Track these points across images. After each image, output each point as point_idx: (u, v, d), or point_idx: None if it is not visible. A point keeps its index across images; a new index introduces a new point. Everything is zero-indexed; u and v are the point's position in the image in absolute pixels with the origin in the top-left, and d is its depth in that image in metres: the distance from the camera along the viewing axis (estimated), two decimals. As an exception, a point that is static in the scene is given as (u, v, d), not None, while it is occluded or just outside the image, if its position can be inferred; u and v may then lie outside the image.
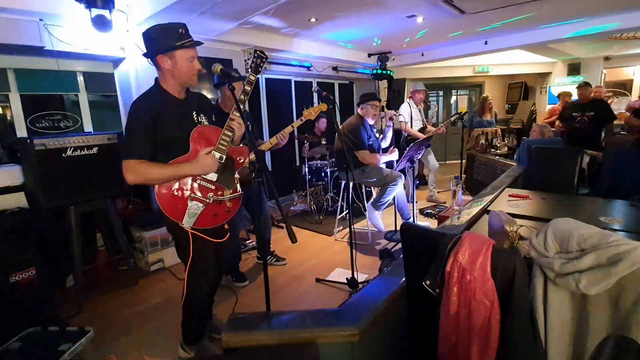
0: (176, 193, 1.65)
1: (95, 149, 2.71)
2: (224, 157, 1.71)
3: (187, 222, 1.65)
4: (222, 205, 1.75)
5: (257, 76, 1.79)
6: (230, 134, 1.71)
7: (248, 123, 1.91)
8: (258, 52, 1.80)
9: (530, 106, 7.15)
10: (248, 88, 1.75)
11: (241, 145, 1.89)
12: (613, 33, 4.83)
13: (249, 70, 1.80)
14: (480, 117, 5.50)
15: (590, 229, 1.03)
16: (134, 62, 3.31)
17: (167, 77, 1.67)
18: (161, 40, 1.59)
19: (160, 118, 1.62)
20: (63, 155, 2.56)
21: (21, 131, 3.20)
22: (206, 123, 1.78)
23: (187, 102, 1.76)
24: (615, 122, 5.15)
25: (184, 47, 1.61)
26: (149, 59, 1.67)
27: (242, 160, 1.84)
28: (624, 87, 7.32)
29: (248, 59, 1.85)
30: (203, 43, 1.70)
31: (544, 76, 7.45)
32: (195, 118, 1.75)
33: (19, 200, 2.62)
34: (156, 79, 1.72)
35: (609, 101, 6.54)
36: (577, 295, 1.03)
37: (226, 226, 1.82)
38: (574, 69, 6.80)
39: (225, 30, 3.55)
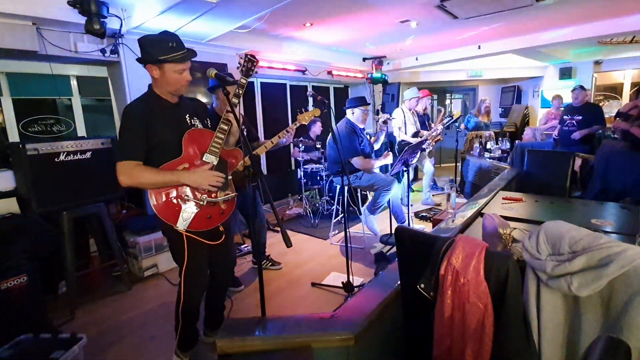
0: (170, 196, 1.65)
1: (88, 154, 2.70)
2: (217, 159, 1.72)
3: (181, 225, 1.65)
4: (216, 207, 1.75)
5: (248, 80, 1.84)
6: (222, 136, 1.74)
7: (243, 127, 1.92)
8: (249, 56, 1.84)
9: (523, 110, 7.23)
10: (240, 91, 1.79)
11: (234, 148, 1.91)
12: (603, 38, 4.91)
13: (240, 73, 1.85)
14: (475, 116, 5.54)
15: (581, 232, 1.04)
16: (128, 66, 3.30)
17: (157, 84, 1.70)
18: (151, 51, 1.61)
19: (153, 121, 1.63)
20: (56, 160, 2.54)
21: (13, 136, 3.17)
22: (200, 126, 1.79)
23: (180, 106, 1.77)
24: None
25: (173, 61, 1.62)
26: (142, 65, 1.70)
27: (234, 162, 1.85)
28: (615, 90, 7.44)
29: (240, 64, 1.90)
30: (196, 54, 1.71)
31: (536, 80, 7.54)
32: (189, 121, 1.76)
33: (10, 205, 2.59)
34: (149, 84, 1.74)
35: (601, 104, 6.63)
36: (569, 297, 1.04)
37: (221, 228, 1.82)
38: (565, 73, 6.90)
39: (219, 34, 3.56)
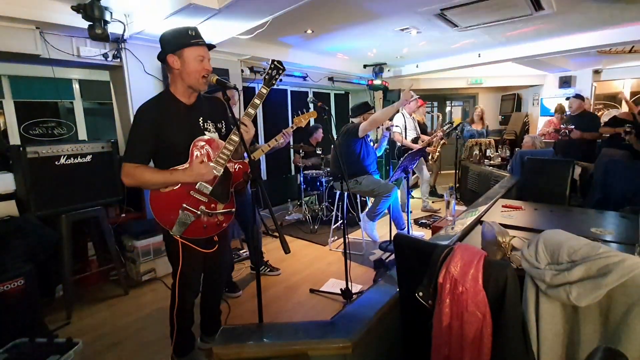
0: (169, 201, 1.65)
1: (89, 157, 2.70)
2: (222, 170, 1.70)
3: (176, 231, 1.66)
4: (214, 218, 1.74)
5: (269, 89, 1.77)
6: (231, 148, 1.69)
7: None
8: (275, 62, 1.76)
9: (523, 117, 7.26)
10: (257, 101, 1.74)
11: (242, 160, 1.86)
12: (602, 48, 4.94)
13: (263, 81, 1.77)
14: (470, 125, 5.60)
15: (579, 241, 1.04)
16: (130, 70, 3.31)
17: (176, 80, 1.69)
18: (172, 41, 1.64)
19: (164, 124, 1.64)
20: (56, 163, 2.54)
21: (14, 138, 3.18)
22: (213, 131, 1.77)
23: (196, 108, 1.75)
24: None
25: (193, 45, 1.64)
26: (162, 64, 1.73)
27: (238, 176, 1.82)
28: (614, 99, 7.47)
29: (264, 70, 1.83)
30: (215, 46, 1.72)
31: (536, 88, 7.58)
32: (202, 125, 1.74)
33: (9, 208, 2.58)
34: (167, 85, 1.75)
35: (599, 113, 6.64)
36: (569, 306, 1.03)
37: (215, 238, 1.81)
38: (565, 81, 6.93)
39: (221, 40, 3.58)
